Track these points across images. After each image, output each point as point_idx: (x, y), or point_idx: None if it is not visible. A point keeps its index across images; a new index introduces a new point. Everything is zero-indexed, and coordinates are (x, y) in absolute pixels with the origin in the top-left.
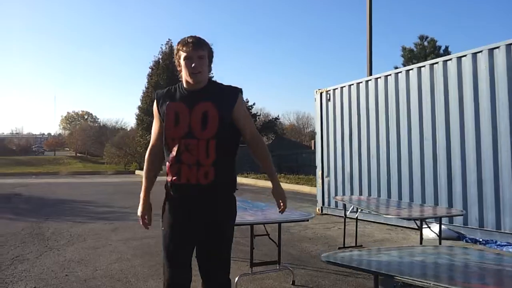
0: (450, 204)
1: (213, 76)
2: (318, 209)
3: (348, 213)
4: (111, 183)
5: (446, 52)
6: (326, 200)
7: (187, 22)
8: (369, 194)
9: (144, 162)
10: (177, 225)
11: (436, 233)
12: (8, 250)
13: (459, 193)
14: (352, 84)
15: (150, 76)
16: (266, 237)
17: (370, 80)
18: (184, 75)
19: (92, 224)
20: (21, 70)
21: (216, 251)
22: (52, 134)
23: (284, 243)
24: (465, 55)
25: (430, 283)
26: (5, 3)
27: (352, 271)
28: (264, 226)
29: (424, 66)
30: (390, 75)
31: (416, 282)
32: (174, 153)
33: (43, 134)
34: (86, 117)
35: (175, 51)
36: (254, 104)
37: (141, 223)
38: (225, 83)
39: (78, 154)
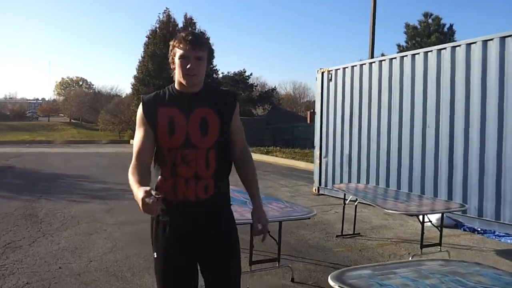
0: (450, 193)
1: (215, 66)
2: (315, 189)
3: (347, 202)
4: (106, 154)
5: (451, 30)
6: (323, 180)
7: None
8: (367, 179)
9: None
10: (174, 264)
11: (437, 227)
12: (0, 235)
13: (460, 182)
14: (355, 66)
15: (146, 45)
16: None
17: (374, 62)
18: (177, 75)
19: (86, 204)
20: (15, 35)
21: (226, 272)
22: (47, 99)
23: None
24: (474, 42)
25: None
26: None
27: (350, 264)
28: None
29: (431, 51)
30: (395, 58)
31: None
32: (168, 166)
33: (37, 99)
34: (81, 83)
35: (170, 47)
36: (251, 74)
37: (150, 202)
38: (219, 52)
39: (72, 121)
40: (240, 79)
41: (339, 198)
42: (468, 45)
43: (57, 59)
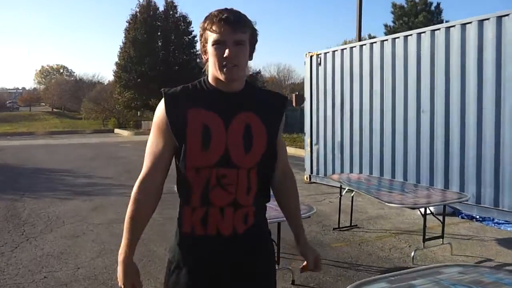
0: (447, 180)
1: (198, 51)
2: (306, 177)
3: (344, 193)
4: (90, 145)
5: (438, 9)
6: (314, 168)
7: None
8: (360, 167)
9: (123, 118)
10: None
11: (437, 218)
12: None
13: (457, 169)
14: (345, 49)
15: (127, 30)
16: None
17: (365, 45)
18: (212, 68)
19: (71, 201)
20: None
21: None
22: (27, 89)
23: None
24: (470, 22)
25: None
26: None
27: (352, 266)
28: None
29: (424, 32)
30: (386, 40)
31: None
32: (198, 190)
33: (17, 88)
34: (61, 71)
35: (199, 30)
36: None
37: None
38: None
39: (54, 110)
40: None
41: (332, 186)
42: (463, 25)
43: (36, 47)
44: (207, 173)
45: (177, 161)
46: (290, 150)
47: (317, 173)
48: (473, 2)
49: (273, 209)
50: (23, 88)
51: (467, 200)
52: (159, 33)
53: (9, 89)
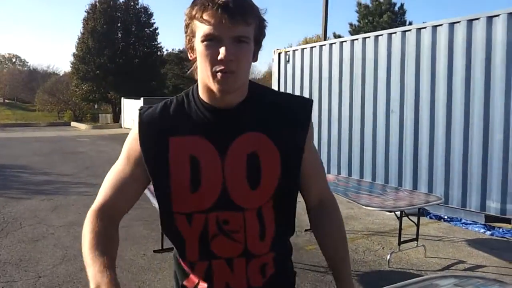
0: (415, 181)
1: (159, 43)
2: None
3: None
4: (46, 139)
5: (402, 9)
6: None
7: None
8: (328, 168)
9: (79, 111)
10: None
11: (414, 221)
12: None
13: (425, 169)
14: (314, 47)
15: (86, 20)
16: None
17: (335, 43)
18: (202, 74)
19: (28, 200)
20: None
21: None
22: None
23: None
24: (441, 25)
25: None
26: None
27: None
28: None
29: (395, 32)
30: (357, 39)
31: None
32: (193, 242)
33: None
34: (14, 60)
35: (185, 19)
36: None
37: None
38: (164, 28)
39: (6, 101)
40: (185, 57)
41: None
42: (434, 27)
43: None
44: (203, 220)
45: (158, 204)
46: None
47: None
48: (434, 5)
49: None
50: None
51: (442, 202)
52: (119, 24)
53: None
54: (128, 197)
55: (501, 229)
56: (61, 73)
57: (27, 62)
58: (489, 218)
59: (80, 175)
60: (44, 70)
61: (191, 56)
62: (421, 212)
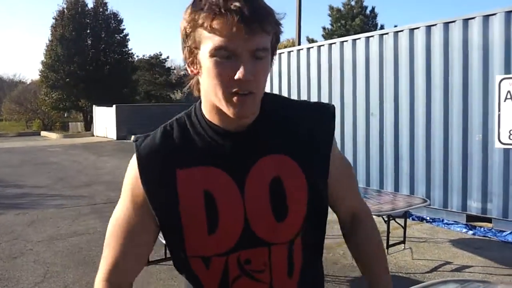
0: (397, 182)
1: (130, 50)
2: None
3: None
4: (15, 150)
5: (373, 12)
6: None
7: None
8: None
9: (48, 120)
10: None
11: (401, 224)
12: None
13: (406, 171)
14: (292, 51)
15: (54, 27)
16: None
17: (312, 47)
18: (211, 94)
19: (1, 216)
20: None
21: None
22: None
23: None
24: (418, 27)
25: None
26: None
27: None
28: None
29: (373, 36)
30: (335, 43)
31: None
32: (213, 286)
33: None
34: None
35: (183, 26)
36: (168, 57)
37: None
38: (135, 34)
39: None
40: (156, 63)
41: None
42: (411, 30)
43: None
44: (223, 263)
45: (169, 247)
46: None
47: None
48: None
49: None
50: None
51: (429, 205)
52: (88, 31)
53: None
54: (140, 254)
55: (482, 228)
56: (28, 82)
57: None
58: (470, 218)
59: (55, 187)
60: (11, 79)
61: (191, 71)
62: (404, 214)
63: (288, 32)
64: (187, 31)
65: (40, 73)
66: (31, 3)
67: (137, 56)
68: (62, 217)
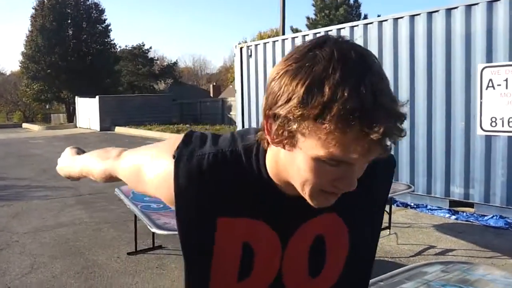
0: None
1: (112, 40)
2: None
3: None
4: None
5: (356, 2)
6: None
7: None
8: None
9: (29, 112)
10: None
11: (386, 211)
12: None
13: None
14: (277, 41)
15: (34, 18)
16: None
17: (297, 37)
18: (293, 179)
19: None
20: None
21: None
22: None
23: None
24: (402, 17)
25: None
26: None
27: None
28: None
29: (357, 25)
30: (319, 33)
31: None
32: None
33: None
34: None
35: (293, 111)
36: (150, 47)
37: None
38: (117, 25)
39: None
40: (139, 53)
41: None
42: (395, 19)
43: None
44: None
45: (189, 283)
46: None
47: None
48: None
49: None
50: None
51: (413, 191)
52: (69, 21)
53: None
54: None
55: (464, 213)
56: (8, 73)
57: None
58: (453, 203)
59: (38, 179)
60: None
61: (272, 141)
62: (389, 201)
63: (272, 22)
64: (294, 116)
65: (20, 64)
66: None
67: (120, 47)
68: (47, 208)
